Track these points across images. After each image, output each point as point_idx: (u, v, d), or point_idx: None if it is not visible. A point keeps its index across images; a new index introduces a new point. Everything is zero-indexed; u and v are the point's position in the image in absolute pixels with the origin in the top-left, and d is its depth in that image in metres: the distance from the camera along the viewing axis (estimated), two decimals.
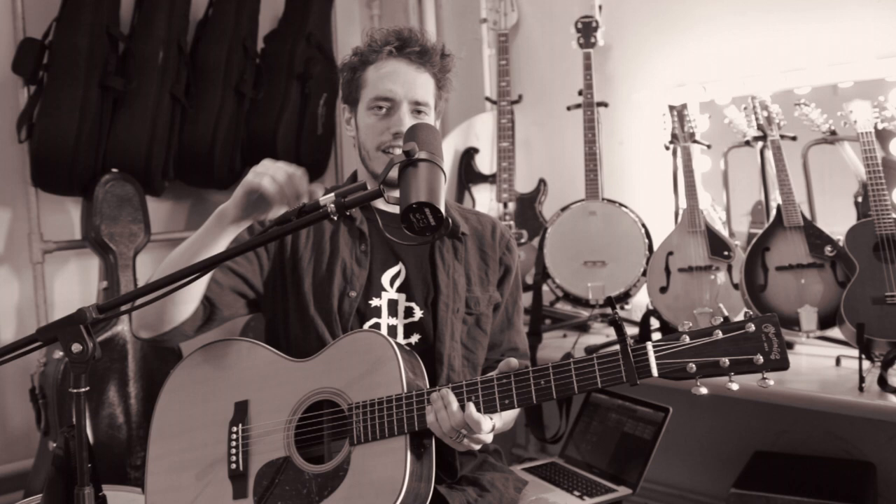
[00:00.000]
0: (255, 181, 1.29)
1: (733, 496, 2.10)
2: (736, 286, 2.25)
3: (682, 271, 2.31)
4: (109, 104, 2.65)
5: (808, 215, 2.22)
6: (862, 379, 1.86)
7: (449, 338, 1.58)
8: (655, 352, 1.28)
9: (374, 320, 1.57)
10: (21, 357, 1.08)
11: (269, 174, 1.29)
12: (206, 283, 1.44)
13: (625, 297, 2.64)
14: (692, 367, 1.26)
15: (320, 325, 1.54)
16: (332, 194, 1.16)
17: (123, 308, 1.10)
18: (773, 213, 2.20)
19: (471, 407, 1.33)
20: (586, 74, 2.75)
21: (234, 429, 1.45)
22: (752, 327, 1.26)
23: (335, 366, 1.44)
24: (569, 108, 2.81)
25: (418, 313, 1.59)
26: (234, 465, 1.43)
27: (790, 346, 2.29)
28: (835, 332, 2.10)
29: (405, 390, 1.38)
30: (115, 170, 2.65)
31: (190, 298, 1.42)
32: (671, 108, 2.50)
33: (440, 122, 1.72)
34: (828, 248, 2.10)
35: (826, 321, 2.07)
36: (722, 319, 1.27)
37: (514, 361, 1.37)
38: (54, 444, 2.41)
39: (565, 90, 2.89)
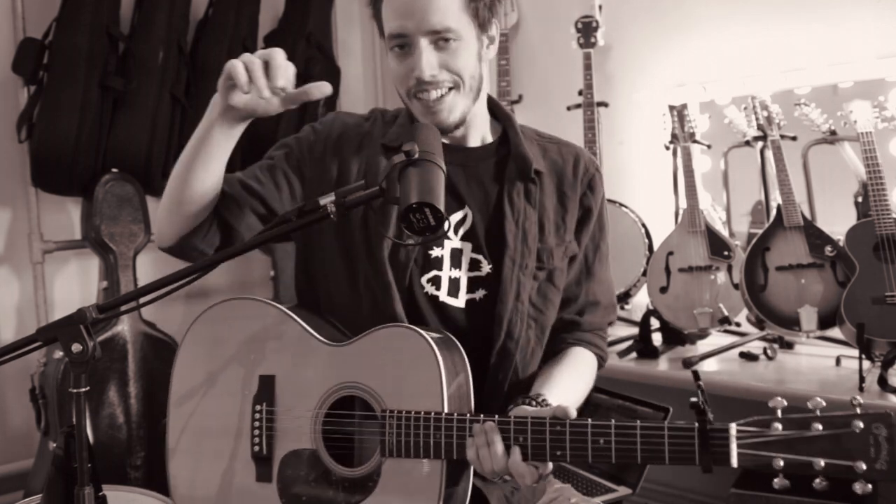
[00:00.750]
0: (229, 65, 1.22)
1: (733, 496, 2.10)
2: (736, 286, 2.24)
3: (683, 271, 2.31)
4: (109, 104, 2.65)
5: (808, 215, 2.22)
6: (862, 379, 1.87)
7: (513, 298, 1.40)
8: (738, 438, 1.08)
9: (433, 272, 1.40)
10: (21, 357, 1.08)
11: (245, 60, 1.21)
12: (214, 191, 1.45)
13: (625, 297, 2.63)
14: (779, 462, 1.06)
15: (369, 273, 1.39)
16: (332, 194, 1.15)
17: (124, 308, 1.09)
18: (773, 213, 2.20)
19: (516, 453, 1.18)
20: (586, 74, 2.75)
21: (259, 407, 1.38)
22: (859, 425, 1.03)
23: (370, 360, 1.33)
24: (569, 108, 2.81)
25: (486, 267, 1.41)
26: (257, 448, 1.37)
27: (790, 346, 2.30)
28: (835, 332, 2.10)
29: (445, 409, 1.25)
30: (115, 170, 2.65)
31: (200, 198, 1.46)
32: (671, 108, 2.50)
33: (495, 47, 1.43)
34: (828, 248, 2.10)
35: (826, 321, 2.07)
36: (823, 404, 1.06)
37: (572, 410, 1.19)
38: (54, 444, 2.40)
39: (565, 90, 2.89)
